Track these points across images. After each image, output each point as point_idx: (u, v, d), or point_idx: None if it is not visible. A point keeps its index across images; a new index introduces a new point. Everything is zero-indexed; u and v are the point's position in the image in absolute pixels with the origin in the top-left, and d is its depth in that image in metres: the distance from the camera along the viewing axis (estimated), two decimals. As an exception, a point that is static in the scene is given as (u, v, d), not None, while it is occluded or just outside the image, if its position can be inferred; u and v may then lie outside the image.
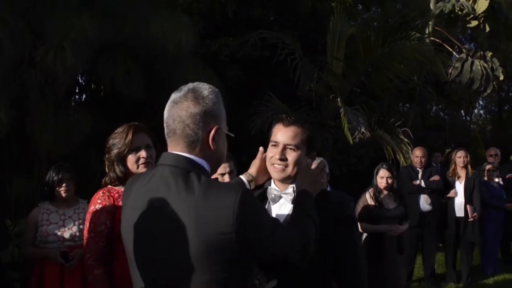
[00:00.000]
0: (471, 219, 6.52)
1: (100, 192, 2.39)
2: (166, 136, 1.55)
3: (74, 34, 5.11)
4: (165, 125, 1.54)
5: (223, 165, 3.17)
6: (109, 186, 2.42)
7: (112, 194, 2.36)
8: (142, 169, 2.35)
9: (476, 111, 20.83)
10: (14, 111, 4.80)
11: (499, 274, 6.96)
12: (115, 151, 2.36)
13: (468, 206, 6.57)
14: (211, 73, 7.26)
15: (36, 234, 3.69)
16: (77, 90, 7.58)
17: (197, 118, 1.51)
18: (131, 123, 2.46)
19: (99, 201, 2.34)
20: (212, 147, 1.55)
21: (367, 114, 8.20)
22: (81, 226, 3.68)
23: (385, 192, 4.81)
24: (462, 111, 18.19)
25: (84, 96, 7.57)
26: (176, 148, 1.53)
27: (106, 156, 2.43)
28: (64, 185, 3.72)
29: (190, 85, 1.56)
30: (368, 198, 4.88)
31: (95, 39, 5.42)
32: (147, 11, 6.44)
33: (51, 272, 3.57)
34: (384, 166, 4.88)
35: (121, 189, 2.34)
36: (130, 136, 2.36)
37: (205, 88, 1.56)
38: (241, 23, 8.77)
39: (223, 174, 3.27)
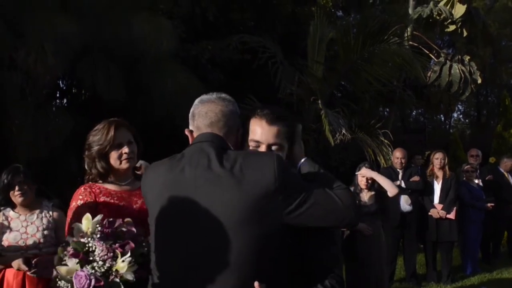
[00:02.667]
0: (438, 216, 6.59)
1: (82, 188, 2.35)
2: (203, 126, 1.72)
3: (55, 36, 5.08)
4: (201, 117, 1.73)
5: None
6: (90, 182, 2.40)
7: (94, 190, 2.33)
8: (124, 164, 2.33)
9: (455, 115, 21.25)
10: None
11: (479, 274, 7.07)
12: (95, 147, 2.33)
13: (437, 205, 6.66)
14: (192, 76, 7.27)
15: None
16: (58, 94, 7.53)
17: (235, 116, 1.75)
18: (111, 119, 2.42)
19: (80, 197, 2.31)
20: (238, 143, 1.77)
21: (347, 117, 8.29)
22: (45, 232, 3.44)
23: (365, 191, 4.87)
24: (441, 115, 18.54)
25: (65, 100, 7.51)
26: (210, 129, 1.71)
27: (86, 153, 2.39)
28: (17, 188, 3.39)
29: (217, 93, 1.79)
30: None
31: (75, 41, 5.40)
32: (127, 14, 6.44)
33: (15, 277, 3.37)
34: (365, 165, 4.95)
35: (102, 185, 2.32)
36: (112, 132, 2.33)
37: (230, 97, 1.80)
38: (222, 27, 8.81)
39: None
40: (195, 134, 1.75)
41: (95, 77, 6.04)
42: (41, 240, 3.41)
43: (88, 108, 6.77)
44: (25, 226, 3.44)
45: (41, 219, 3.50)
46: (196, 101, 1.79)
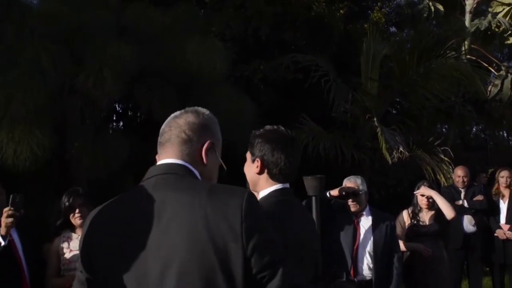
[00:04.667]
0: (504, 237, 6.21)
1: None
2: (158, 147, 1.51)
3: (112, 61, 5.25)
4: (160, 135, 1.52)
5: None
6: None
7: None
8: None
9: (517, 130, 20.20)
10: (56, 136, 4.92)
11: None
12: None
13: (504, 225, 6.28)
14: (245, 96, 7.31)
15: (59, 265, 3.54)
16: (114, 118, 7.79)
17: (195, 127, 1.49)
18: None
19: None
20: (204, 161, 1.49)
21: (404, 134, 8.05)
22: None
23: (426, 210, 4.67)
24: (503, 131, 17.67)
25: (121, 123, 7.75)
26: (167, 155, 1.46)
27: None
28: (77, 211, 3.51)
29: (191, 109, 1.57)
30: (405, 216, 4.77)
31: (132, 65, 5.56)
32: (182, 38, 6.59)
33: None
34: (425, 183, 4.76)
35: None
36: None
37: (206, 110, 1.57)
38: (274, 47, 8.84)
39: None
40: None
41: (150, 101, 6.19)
42: None
43: (143, 131, 6.95)
44: None
45: None
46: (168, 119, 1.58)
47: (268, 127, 2.16)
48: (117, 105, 7.28)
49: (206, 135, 1.51)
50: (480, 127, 16.32)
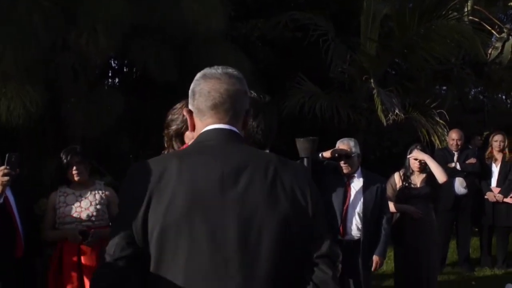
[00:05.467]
0: (494, 200, 6.30)
1: None
2: (205, 108, 1.48)
3: (106, 17, 5.16)
4: (205, 97, 1.47)
5: None
6: None
7: None
8: None
9: (516, 93, 20.08)
10: (48, 93, 4.89)
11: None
12: (173, 127, 2.34)
13: (494, 188, 6.36)
14: (242, 55, 7.23)
15: (55, 218, 3.69)
16: (110, 74, 7.72)
17: (241, 95, 1.52)
18: None
19: None
20: (245, 128, 1.58)
21: (401, 96, 8.01)
22: (98, 207, 3.69)
23: (417, 173, 4.71)
24: (502, 94, 17.57)
25: (116, 80, 7.68)
26: (222, 121, 1.48)
27: (165, 131, 2.43)
28: (74, 168, 3.65)
29: (223, 66, 1.54)
30: (397, 178, 4.82)
31: (126, 22, 5.46)
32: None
33: (69, 252, 3.59)
34: (418, 147, 4.78)
35: None
36: None
37: (238, 72, 1.56)
38: (272, 5, 8.66)
39: None
40: (195, 116, 1.52)
41: (146, 58, 6.12)
42: (94, 213, 3.68)
43: (138, 88, 6.91)
44: (79, 201, 3.72)
45: (94, 195, 3.77)
46: (198, 76, 1.52)
47: None
48: (112, 62, 7.20)
49: (247, 103, 1.57)
50: (479, 89, 16.21)
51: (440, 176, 4.47)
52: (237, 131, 1.49)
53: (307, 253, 1.41)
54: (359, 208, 4.07)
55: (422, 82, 9.18)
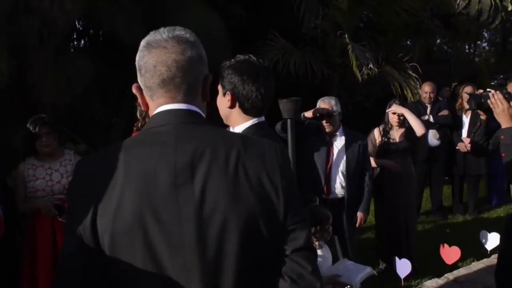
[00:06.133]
0: (465, 150, 6.47)
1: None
2: (152, 86, 1.27)
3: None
4: (151, 72, 1.25)
5: None
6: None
7: None
8: None
9: (478, 43, 20.39)
10: (14, 60, 4.64)
11: (505, 205, 7.04)
12: None
13: (465, 139, 6.52)
14: (212, 12, 7.01)
15: (26, 190, 3.55)
16: (75, 36, 7.37)
17: (194, 61, 1.27)
18: None
19: None
20: (206, 98, 1.34)
21: (373, 51, 8.00)
22: (69, 178, 3.53)
23: (396, 128, 4.76)
24: (466, 44, 17.83)
25: (82, 42, 7.36)
26: (174, 99, 1.27)
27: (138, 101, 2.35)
28: (43, 139, 3.50)
29: (170, 28, 1.29)
30: (376, 133, 4.86)
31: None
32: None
33: (42, 226, 3.50)
34: (396, 101, 4.81)
35: None
36: None
37: (189, 32, 1.31)
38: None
39: None
40: (146, 94, 1.30)
41: (114, 17, 5.87)
42: (66, 186, 3.52)
43: (106, 51, 6.64)
44: (50, 174, 3.58)
45: (65, 166, 3.63)
46: (142, 44, 1.27)
47: (239, 57, 2.05)
48: (77, 23, 6.86)
49: (204, 68, 1.32)
50: (445, 40, 16.38)
51: (418, 129, 4.52)
52: (194, 109, 1.28)
53: (281, 250, 1.24)
54: (342, 166, 4.10)
55: (391, 36, 9.16)
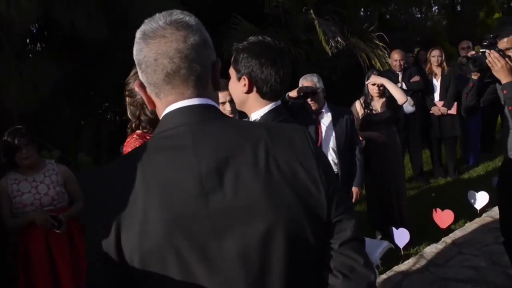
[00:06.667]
0: (439, 113, 6.59)
1: (135, 135, 2.18)
2: (158, 82, 1.12)
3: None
4: (153, 67, 1.10)
5: (223, 94, 2.98)
6: (138, 131, 2.22)
7: (148, 138, 2.16)
8: None
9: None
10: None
11: (482, 163, 7.23)
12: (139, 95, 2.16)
13: (438, 102, 6.63)
14: (173, 1, 6.81)
15: (11, 206, 3.40)
16: (29, 40, 7.02)
17: (200, 48, 1.11)
18: None
19: (136, 144, 2.12)
20: (217, 87, 1.20)
21: (337, 24, 7.98)
22: (57, 189, 3.47)
23: (377, 98, 4.76)
24: (416, 9, 18.12)
25: (43, 45, 7.03)
26: (184, 95, 1.12)
27: (129, 100, 2.21)
28: (23, 151, 3.36)
29: (166, 13, 1.14)
30: (358, 106, 4.85)
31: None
32: None
33: (36, 238, 3.37)
34: (374, 72, 4.80)
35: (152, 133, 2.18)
36: None
37: (188, 15, 1.15)
38: None
39: (223, 103, 3.09)
40: (150, 92, 1.16)
41: (72, 16, 5.61)
42: (55, 197, 3.46)
43: (68, 51, 6.36)
44: (35, 187, 3.44)
45: (49, 177, 3.51)
46: (137, 36, 1.13)
47: (252, 38, 1.96)
48: (32, 26, 6.52)
49: (211, 53, 1.16)
50: (395, 6, 16.59)
51: (400, 97, 4.53)
52: (207, 102, 1.14)
53: (327, 244, 1.12)
54: (332, 143, 4.07)
55: (352, 7, 9.17)
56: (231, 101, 3.05)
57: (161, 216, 1.02)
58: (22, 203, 3.38)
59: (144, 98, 1.19)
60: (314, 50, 7.97)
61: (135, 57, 1.14)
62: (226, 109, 3.08)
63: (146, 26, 1.12)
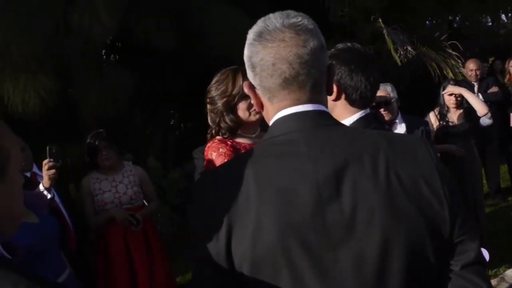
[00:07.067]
0: None
1: (216, 140, 2.24)
2: (273, 87, 1.09)
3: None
4: (269, 71, 1.07)
5: None
6: (218, 137, 2.27)
7: (229, 143, 2.21)
8: (254, 116, 2.21)
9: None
10: (60, 79, 4.66)
11: None
12: (223, 100, 2.20)
13: None
14: (239, 12, 6.90)
15: (94, 203, 3.68)
16: (113, 52, 7.36)
17: (317, 52, 1.08)
18: (233, 67, 2.27)
19: (219, 147, 2.17)
20: (330, 92, 1.16)
21: (406, 33, 7.78)
22: (134, 189, 3.70)
23: (454, 109, 4.57)
24: (488, 17, 17.36)
25: (117, 56, 7.34)
26: (299, 101, 1.09)
27: (210, 107, 2.28)
28: (104, 153, 3.62)
29: (282, 14, 1.11)
30: (432, 118, 4.68)
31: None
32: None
33: (115, 235, 3.59)
34: (451, 82, 4.62)
35: (233, 139, 2.23)
36: (240, 82, 2.18)
37: (305, 17, 1.12)
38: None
39: None
40: (261, 95, 1.12)
41: (146, 29, 5.81)
42: (133, 196, 3.71)
43: (140, 61, 6.59)
44: (115, 186, 3.69)
45: (128, 177, 3.74)
46: (251, 35, 1.10)
47: (340, 45, 1.93)
48: (111, 39, 6.82)
49: (326, 56, 1.13)
50: (465, 15, 15.99)
51: (480, 108, 4.34)
52: (321, 108, 1.10)
53: (446, 265, 1.06)
54: (407, 155, 3.94)
55: (422, 15, 8.92)
56: None
57: (276, 223, 0.99)
58: (104, 201, 3.63)
59: (253, 99, 1.17)
60: (382, 60, 7.79)
61: (248, 58, 1.11)
62: None
63: (261, 27, 1.09)
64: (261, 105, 1.17)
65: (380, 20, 7.17)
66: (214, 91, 2.24)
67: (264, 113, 1.18)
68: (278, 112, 1.11)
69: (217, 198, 1.05)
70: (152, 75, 6.26)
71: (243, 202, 1.01)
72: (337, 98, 1.88)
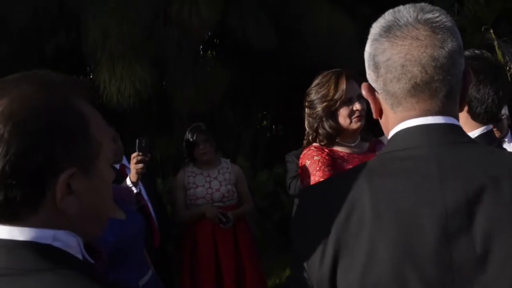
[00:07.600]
0: None
1: (312, 147, 2.09)
2: (400, 93, 0.92)
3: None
4: (397, 73, 0.90)
5: None
6: (315, 144, 2.13)
7: (326, 151, 2.06)
8: (355, 123, 2.02)
9: None
10: (155, 71, 4.74)
11: None
12: (323, 104, 2.06)
13: None
14: (341, 13, 6.71)
15: (186, 197, 3.59)
16: (204, 46, 7.50)
17: (458, 58, 0.90)
18: (336, 70, 2.11)
19: (315, 155, 2.02)
20: (463, 103, 0.97)
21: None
22: (228, 187, 3.57)
23: None
24: None
25: (214, 53, 7.46)
26: (428, 112, 0.91)
27: (308, 111, 2.14)
28: (201, 147, 3.52)
29: (415, 6, 0.91)
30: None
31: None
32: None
33: (204, 232, 3.48)
34: None
35: (330, 148, 2.06)
36: (343, 86, 2.02)
37: (442, 12, 0.92)
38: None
39: None
40: (383, 100, 0.96)
41: (245, 26, 5.82)
42: (226, 194, 3.56)
43: (237, 58, 6.63)
44: (209, 181, 3.58)
45: (223, 174, 3.63)
46: (377, 29, 0.92)
47: (468, 52, 1.67)
48: (209, 34, 6.94)
49: (463, 61, 0.93)
50: None
51: None
52: (453, 121, 0.92)
53: None
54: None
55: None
56: None
57: (394, 250, 0.85)
58: (196, 196, 3.54)
59: (372, 104, 0.99)
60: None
61: (370, 56, 0.94)
62: None
63: (391, 21, 0.91)
64: (380, 112, 1.00)
65: (491, 31, 6.65)
66: (314, 94, 2.08)
67: (382, 122, 1.01)
68: (401, 122, 0.94)
69: (324, 214, 0.91)
70: (247, 74, 6.25)
71: (355, 222, 0.87)
72: (459, 109, 1.67)
